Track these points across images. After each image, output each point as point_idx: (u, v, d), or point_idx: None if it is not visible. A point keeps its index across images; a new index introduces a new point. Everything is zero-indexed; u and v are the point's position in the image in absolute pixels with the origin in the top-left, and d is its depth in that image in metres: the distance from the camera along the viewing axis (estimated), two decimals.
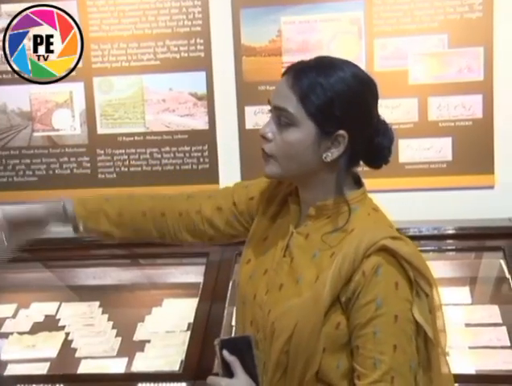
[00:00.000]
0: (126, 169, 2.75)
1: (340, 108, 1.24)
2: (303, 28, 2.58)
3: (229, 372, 1.27)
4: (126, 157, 2.74)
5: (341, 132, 1.25)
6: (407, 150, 2.59)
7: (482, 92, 2.53)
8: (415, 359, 1.23)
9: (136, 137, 2.73)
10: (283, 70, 1.31)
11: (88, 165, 2.77)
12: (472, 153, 2.56)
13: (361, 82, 1.30)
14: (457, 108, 2.55)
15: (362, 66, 2.52)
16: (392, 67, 2.56)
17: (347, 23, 2.56)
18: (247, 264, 1.42)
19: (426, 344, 1.25)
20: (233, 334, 1.33)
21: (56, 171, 2.79)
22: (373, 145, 1.30)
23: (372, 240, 1.22)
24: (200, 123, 2.70)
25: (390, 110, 2.56)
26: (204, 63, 2.66)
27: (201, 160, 2.71)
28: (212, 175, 2.70)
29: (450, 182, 2.58)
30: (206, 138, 2.70)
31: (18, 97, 2.76)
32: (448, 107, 2.55)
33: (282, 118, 1.26)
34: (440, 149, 2.58)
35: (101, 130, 2.75)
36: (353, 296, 1.22)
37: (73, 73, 2.68)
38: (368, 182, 2.60)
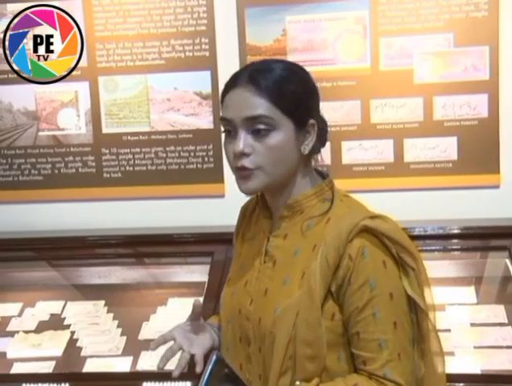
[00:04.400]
0: (131, 168, 2.75)
1: (306, 98, 1.29)
2: (308, 27, 2.58)
3: None
4: (131, 156, 2.75)
5: (312, 121, 1.29)
6: (412, 150, 2.59)
7: (488, 92, 2.52)
8: (411, 332, 1.25)
9: (141, 137, 2.74)
10: (224, 87, 1.32)
11: (94, 164, 2.77)
12: (477, 153, 2.55)
13: (303, 70, 1.33)
14: (463, 107, 2.54)
15: (367, 65, 2.56)
16: (397, 67, 2.55)
17: (352, 22, 2.56)
18: (228, 285, 1.43)
19: (417, 317, 1.27)
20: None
21: (62, 170, 2.79)
22: (321, 131, 1.33)
23: (352, 223, 1.23)
24: (204, 122, 2.70)
25: (395, 109, 2.56)
26: (208, 63, 2.66)
27: (206, 159, 2.71)
28: (216, 174, 2.70)
29: (455, 182, 2.57)
30: (211, 137, 2.70)
31: (24, 97, 2.77)
32: (453, 106, 2.54)
33: (259, 126, 1.24)
34: (445, 148, 2.57)
35: (106, 129, 2.75)
36: (343, 282, 1.22)
37: (78, 72, 2.70)
38: (372, 182, 2.62)
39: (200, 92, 2.68)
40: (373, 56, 2.56)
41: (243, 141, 1.24)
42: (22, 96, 2.77)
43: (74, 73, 2.70)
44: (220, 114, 1.31)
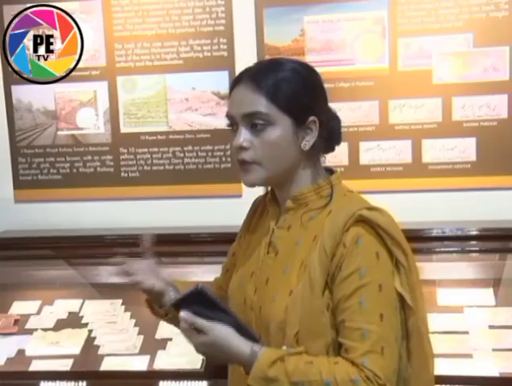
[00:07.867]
0: (149, 168, 2.76)
1: (306, 96, 1.31)
2: (326, 27, 2.57)
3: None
4: (149, 156, 2.76)
5: (312, 118, 1.30)
6: (431, 150, 2.57)
7: (507, 92, 2.50)
8: (399, 330, 1.24)
9: (159, 136, 2.75)
10: (231, 84, 1.36)
11: (112, 163, 2.79)
12: (496, 154, 2.53)
13: (309, 68, 1.35)
14: (482, 108, 2.52)
15: (385, 65, 2.55)
16: (416, 67, 2.54)
17: (371, 22, 2.55)
18: (235, 274, 1.45)
19: (405, 315, 1.26)
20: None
21: (80, 170, 2.81)
22: (329, 129, 1.35)
23: (349, 213, 1.24)
24: (222, 122, 2.66)
25: (414, 110, 2.55)
26: (227, 63, 2.67)
27: (223, 159, 2.72)
28: (234, 174, 2.70)
29: (474, 183, 2.56)
30: (228, 137, 2.68)
31: (43, 96, 2.79)
32: (472, 107, 2.53)
33: (256, 122, 1.29)
34: (464, 149, 2.55)
35: (124, 129, 2.77)
36: (336, 269, 1.23)
37: (97, 72, 2.72)
38: (390, 183, 2.61)
39: (217, 92, 2.69)
40: (391, 56, 2.55)
41: (242, 135, 1.31)
42: (41, 96, 2.79)
43: (93, 73, 2.73)
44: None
